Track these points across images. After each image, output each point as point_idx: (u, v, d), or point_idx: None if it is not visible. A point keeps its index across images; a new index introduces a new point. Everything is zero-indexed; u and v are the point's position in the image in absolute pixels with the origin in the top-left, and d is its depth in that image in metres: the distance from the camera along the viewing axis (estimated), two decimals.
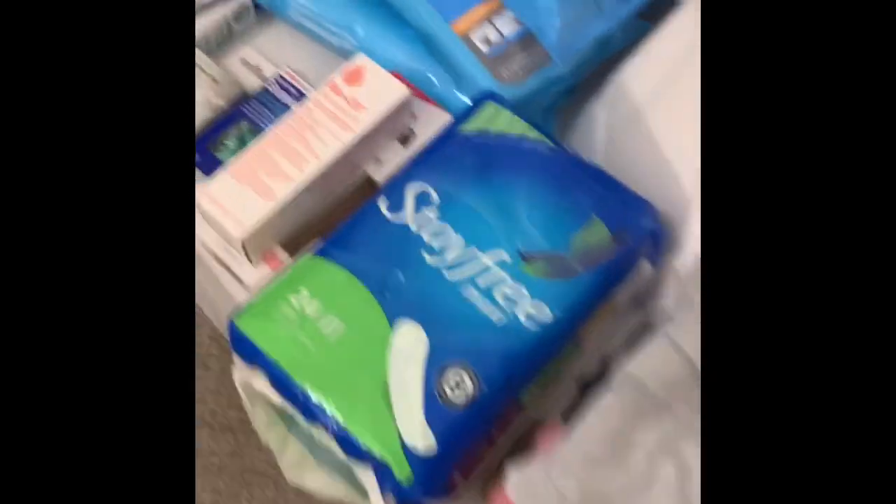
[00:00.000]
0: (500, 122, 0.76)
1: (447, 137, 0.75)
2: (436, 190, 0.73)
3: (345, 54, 0.87)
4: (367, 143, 0.79)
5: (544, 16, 0.81)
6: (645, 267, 0.74)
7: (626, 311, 0.75)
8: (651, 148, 0.78)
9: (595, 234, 0.72)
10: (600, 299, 0.72)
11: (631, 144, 0.80)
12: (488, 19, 0.83)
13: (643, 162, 0.79)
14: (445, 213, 0.72)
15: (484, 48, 0.82)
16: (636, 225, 0.73)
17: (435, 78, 0.86)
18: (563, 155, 0.75)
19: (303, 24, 0.90)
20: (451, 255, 0.71)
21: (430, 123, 0.84)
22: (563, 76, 0.83)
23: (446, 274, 0.70)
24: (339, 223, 0.70)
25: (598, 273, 0.71)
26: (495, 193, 0.73)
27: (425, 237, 0.71)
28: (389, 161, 0.82)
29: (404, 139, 0.84)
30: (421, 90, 0.87)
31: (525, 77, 0.82)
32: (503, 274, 0.70)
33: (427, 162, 0.75)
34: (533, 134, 0.75)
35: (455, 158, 0.74)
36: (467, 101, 0.83)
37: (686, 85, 0.75)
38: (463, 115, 0.77)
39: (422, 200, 0.72)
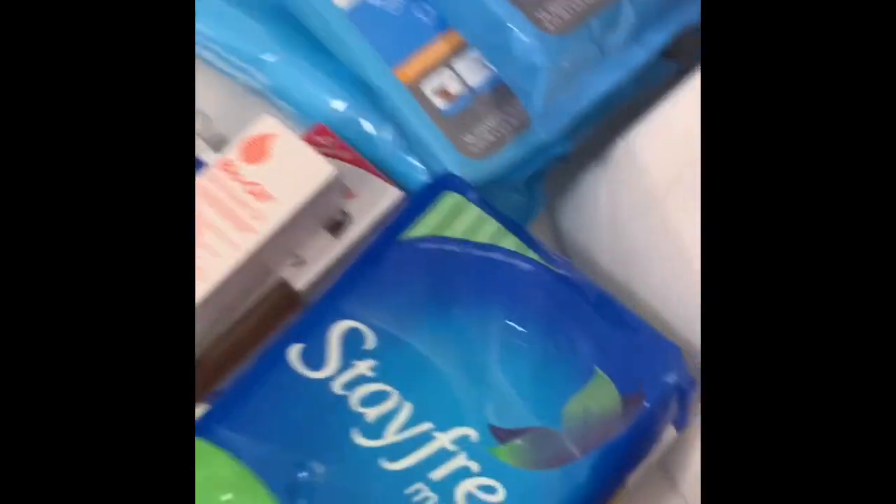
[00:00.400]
0: (462, 222, 0.55)
1: (386, 247, 0.54)
2: (372, 329, 0.51)
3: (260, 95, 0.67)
4: (280, 238, 0.57)
5: (522, 64, 0.59)
6: (669, 434, 0.52)
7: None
8: (668, 244, 0.57)
9: (599, 397, 0.51)
10: (607, 494, 0.50)
11: (642, 236, 0.58)
12: (446, 63, 0.62)
13: (657, 260, 0.59)
14: (386, 365, 0.51)
15: (440, 104, 0.61)
16: (657, 380, 0.51)
17: (376, 132, 0.63)
18: (553, 275, 0.53)
19: (204, 58, 0.66)
20: (392, 433, 0.49)
21: (372, 203, 0.62)
22: (551, 143, 0.60)
23: (385, 464, 0.49)
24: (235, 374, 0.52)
25: (602, 456, 0.50)
26: (457, 336, 0.51)
27: (355, 404, 0.50)
28: (315, 260, 0.60)
29: (335, 226, 0.61)
30: (357, 151, 0.63)
31: (498, 147, 0.60)
32: (468, 462, 0.49)
33: (358, 285, 0.53)
34: (509, 241, 0.53)
35: (399, 281, 0.53)
36: (423, 173, 0.62)
37: None
38: (410, 212, 0.54)
39: (351, 346, 0.51)
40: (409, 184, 0.63)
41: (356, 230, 0.62)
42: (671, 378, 0.51)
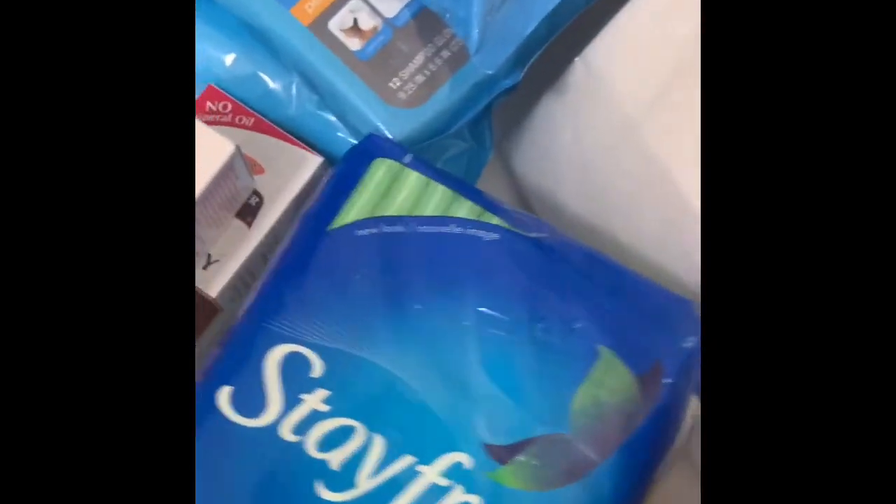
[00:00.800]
0: (402, 194, 0.44)
1: (314, 241, 0.43)
2: (314, 350, 0.40)
3: None
4: None
5: None
6: (693, 406, 0.43)
7: None
8: (652, 180, 0.48)
9: (609, 383, 0.41)
10: (639, 498, 0.41)
11: (618, 174, 0.49)
12: None
13: (640, 202, 0.49)
14: (341, 393, 0.40)
15: (353, 44, 0.50)
16: (674, 346, 0.41)
17: (280, 88, 0.53)
18: (526, 242, 0.43)
19: None
20: (367, 478, 0.39)
21: (288, 177, 0.51)
22: (496, 76, 0.50)
23: None
24: None
25: (625, 455, 0.41)
26: (423, 338, 0.41)
27: (313, 450, 0.39)
28: (229, 257, 0.50)
29: (247, 211, 0.50)
30: (260, 114, 0.53)
31: (432, 89, 0.50)
32: (467, 496, 0.40)
33: (287, 296, 0.42)
34: (464, 209, 0.42)
35: (337, 282, 0.42)
36: (344, 132, 0.52)
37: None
38: (336, 192, 0.45)
39: (293, 376, 0.40)
40: (329, 147, 0.52)
41: (273, 213, 0.51)
42: (689, 341, 0.42)
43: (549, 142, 0.53)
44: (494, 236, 0.43)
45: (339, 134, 0.53)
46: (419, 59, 0.50)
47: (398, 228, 0.42)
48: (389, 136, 0.49)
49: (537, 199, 0.54)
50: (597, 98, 0.50)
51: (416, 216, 0.43)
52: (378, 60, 0.50)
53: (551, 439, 0.40)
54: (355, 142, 0.51)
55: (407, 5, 0.51)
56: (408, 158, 0.45)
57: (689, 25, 0.47)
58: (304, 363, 0.40)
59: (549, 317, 0.41)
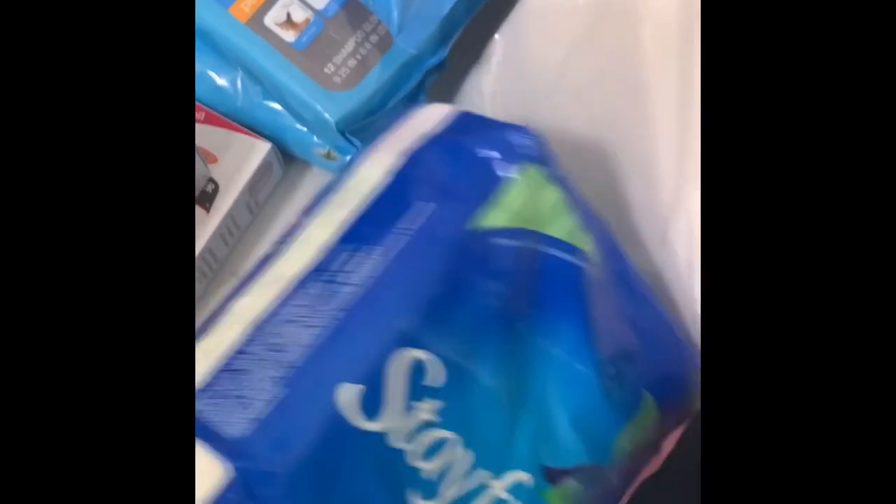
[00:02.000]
0: (542, 209, 0.41)
1: (454, 238, 0.40)
2: (439, 359, 0.39)
3: None
4: None
5: None
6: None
7: None
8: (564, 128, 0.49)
9: (645, 424, 0.44)
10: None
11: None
12: None
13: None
14: (452, 408, 0.39)
15: (288, 36, 0.51)
16: (685, 397, 0.46)
17: (226, 82, 0.53)
18: (626, 288, 0.44)
19: None
20: (449, 489, 0.39)
21: (240, 164, 0.51)
22: (422, 55, 0.52)
23: None
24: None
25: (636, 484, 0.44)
26: (520, 360, 0.41)
27: (413, 459, 0.38)
28: None
29: (203, 199, 0.48)
30: (209, 108, 0.53)
31: (364, 71, 0.51)
32: None
33: (416, 293, 0.39)
34: (587, 243, 0.42)
35: (470, 288, 0.39)
36: (288, 118, 0.52)
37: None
38: (481, 186, 0.41)
39: (416, 382, 0.38)
40: (277, 133, 0.53)
41: (228, 198, 0.50)
42: (692, 393, 0.46)
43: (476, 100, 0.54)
44: (600, 276, 0.42)
45: (284, 120, 0.53)
46: (350, 44, 0.51)
47: (531, 244, 0.40)
48: (327, 120, 0.50)
49: None
50: (516, 67, 0.52)
51: (548, 235, 0.41)
52: (312, 49, 0.51)
53: (595, 469, 0.42)
54: (300, 127, 0.52)
55: None
56: (554, 170, 0.42)
57: None
58: (425, 370, 0.38)
59: (616, 359, 0.43)
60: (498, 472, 0.40)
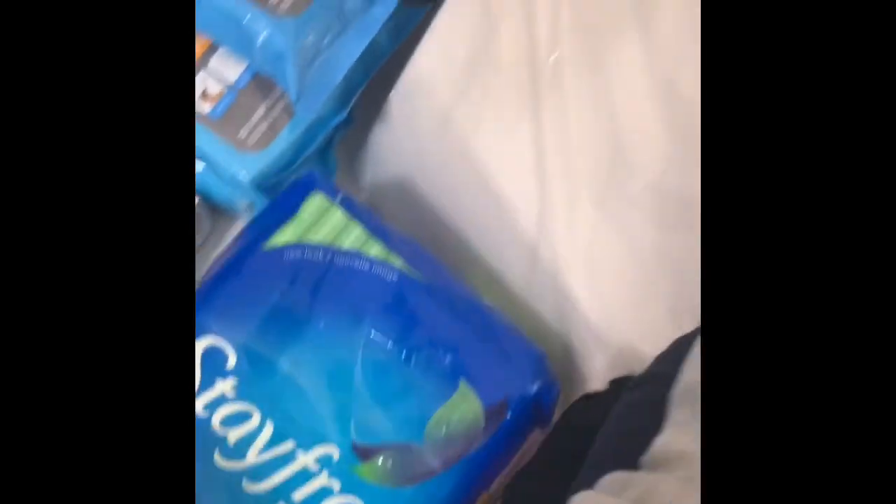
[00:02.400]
0: (327, 227, 0.52)
1: (249, 256, 0.51)
2: (232, 345, 0.48)
3: None
4: None
5: (267, 52, 0.58)
6: (534, 436, 0.53)
7: None
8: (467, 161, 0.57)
9: (462, 410, 0.50)
10: (470, 501, 0.50)
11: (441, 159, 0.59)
12: (201, 66, 0.61)
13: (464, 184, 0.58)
14: (247, 383, 0.48)
15: (205, 108, 0.60)
16: (521, 390, 0.51)
17: None
18: (419, 286, 0.52)
19: None
20: (255, 455, 0.47)
21: None
22: (322, 119, 0.60)
23: (248, 486, 0.47)
24: None
25: (463, 469, 0.50)
26: (322, 350, 0.50)
27: (216, 425, 0.47)
28: None
29: None
30: None
31: (274, 133, 0.60)
32: (328, 480, 0.48)
33: (219, 298, 0.50)
34: (375, 249, 0.52)
35: (262, 293, 0.50)
36: (213, 176, 0.60)
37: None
38: (276, 215, 0.52)
39: (212, 363, 0.48)
40: (204, 188, 0.61)
41: None
42: (534, 387, 0.51)
43: (381, 161, 0.62)
44: (393, 278, 0.51)
45: (210, 178, 0.61)
46: (261, 110, 0.60)
47: (318, 256, 0.51)
48: (242, 179, 0.58)
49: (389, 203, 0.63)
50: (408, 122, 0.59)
51: (334, 247, 0.51)
52: (227, 117, 0.60)
53: (405, 447, 0.49)
54: (224, 183, 0.61)
55: (245, 71, 0.60)
56: (339, 197, 0.53)
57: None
58: (221, 354, 0.48)
59: (425, 349, 0.50)
60: (305, 444, 0.48)
